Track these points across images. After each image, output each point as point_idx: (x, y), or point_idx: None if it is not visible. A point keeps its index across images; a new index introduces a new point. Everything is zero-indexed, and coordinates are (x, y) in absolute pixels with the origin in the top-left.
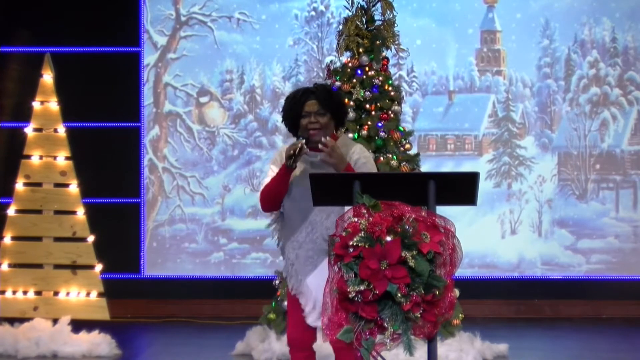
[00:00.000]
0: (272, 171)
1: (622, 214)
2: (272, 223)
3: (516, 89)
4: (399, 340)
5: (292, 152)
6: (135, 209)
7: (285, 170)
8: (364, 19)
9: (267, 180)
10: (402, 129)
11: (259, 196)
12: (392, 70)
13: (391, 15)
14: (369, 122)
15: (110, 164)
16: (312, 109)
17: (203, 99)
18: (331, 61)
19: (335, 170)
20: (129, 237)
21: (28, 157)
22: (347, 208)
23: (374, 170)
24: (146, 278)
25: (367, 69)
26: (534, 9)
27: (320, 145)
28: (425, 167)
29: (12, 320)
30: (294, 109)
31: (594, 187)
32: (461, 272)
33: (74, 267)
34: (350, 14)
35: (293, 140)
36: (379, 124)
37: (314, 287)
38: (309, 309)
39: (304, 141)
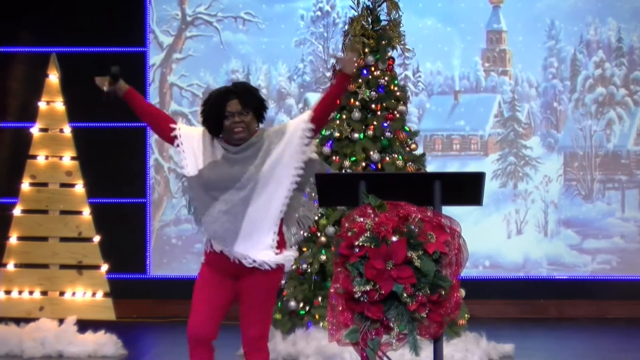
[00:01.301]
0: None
1: (627, 214)
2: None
3: (522, 89)
4: (404, 340)
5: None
6: (141, 209)
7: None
8: (369, 19)
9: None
10: (407, 129)
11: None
12: (397, 70)
13: (397, 15)
14: (375, 122)
15: (116, 164)
16: (235, 109)
17: None
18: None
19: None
20: (135, 237)
21: (34, 157)
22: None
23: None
24: (152, 278)
25: (372, 69)
26: (540, 9)
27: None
28: (431, 167)
29: (17, 320)
30: (216, 110)
31: (600, 187)
32: (467, 272)
33: (79, 267)
34: (356, 14)
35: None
36: (385, 124)
37: (244, 248)
38: (250, 261)
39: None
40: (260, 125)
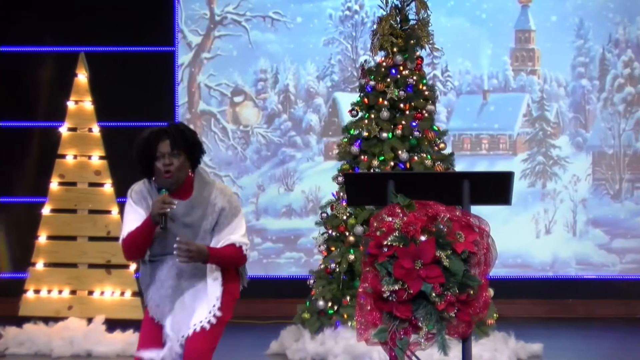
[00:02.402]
0: (133, 214)
1: None
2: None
3: (550, 88)
4: (433, 339)
5: (162, 212)
6: None
7: (152, 224)
8: (398, 19)
9: (130, 225)
10: (436, 129)
11: (122, 243)
12: (426, 69)
13: (425, 15)
14: (403, 122)
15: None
16: (166, 150)
17: (237, 99)
18: (365, 60)
19: (202, 262)
20: None
21: (62, 156)
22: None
23: (242, 226)
24: None
25: (401, 68)
26: (568, 8)
27: (175, 252)
28: (459, 166)
29: (46, 320)
30: (147, 151)
31: (628, 186)
32: (495, 271)
33: (108, 267)
34: (384, 13)
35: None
36: (413, 124)
37: (170, 329)
38: (167, 349)
39: (175, 203)
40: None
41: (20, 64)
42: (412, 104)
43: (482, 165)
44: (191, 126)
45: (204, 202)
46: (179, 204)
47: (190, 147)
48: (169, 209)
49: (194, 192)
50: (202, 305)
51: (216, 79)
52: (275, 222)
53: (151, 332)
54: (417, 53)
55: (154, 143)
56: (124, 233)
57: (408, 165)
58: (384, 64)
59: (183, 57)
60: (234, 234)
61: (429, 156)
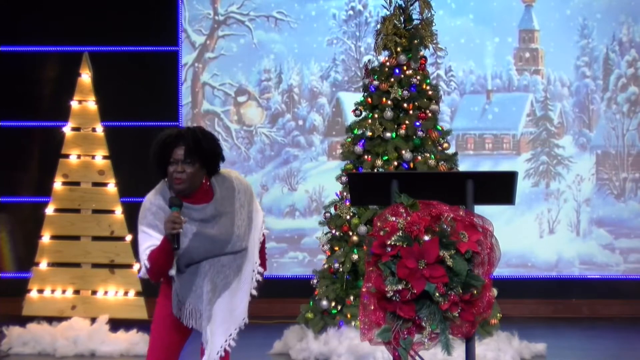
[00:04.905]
0: (148, 235)
1: None
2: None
3: (554, 88)
4: (436, 339)
5: (173, 232)
6: None
7: (166, 242)
8: (401, 18)
9: (147, 244)
10: (440, 128)
11: (147, 268)
12: (430, 69)
13: (429, 14)
14: (407, 121)
15: (149, 163)
16: (179, 157)
17: (241, 98)
18: (369, 60)
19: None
20: None
21: (66, 156)
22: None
23: (260, 210)
24: None
25: (405, 68)
26: (572, 8)
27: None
28: (463, 166)
29: (50, 319)
30: (161, 155)
31: (632, 186)
32: (499, 271)
33: (112, 266)
34: (388, 13)
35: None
36: (417, 123)
37: (211, 333)
38: (206, 357)
39: (185, 220)
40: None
41: (25, 64)
42: (416, 103)
43: (485, 165)
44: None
45: (229, 198)
46: (199, 208)
47: (205, 156)
48: (180, 229)
49: (216, 194)
50: (237, 309)
51: (220, 79)
52: (279, 221)
53: (165, 339)
54: (421, 53)
55: (168, 147)
56: (144, 258)
57: (412, 165)
58: (388, 63)
59: (187, 57)
60: (260, 219)
61: (432, 156)
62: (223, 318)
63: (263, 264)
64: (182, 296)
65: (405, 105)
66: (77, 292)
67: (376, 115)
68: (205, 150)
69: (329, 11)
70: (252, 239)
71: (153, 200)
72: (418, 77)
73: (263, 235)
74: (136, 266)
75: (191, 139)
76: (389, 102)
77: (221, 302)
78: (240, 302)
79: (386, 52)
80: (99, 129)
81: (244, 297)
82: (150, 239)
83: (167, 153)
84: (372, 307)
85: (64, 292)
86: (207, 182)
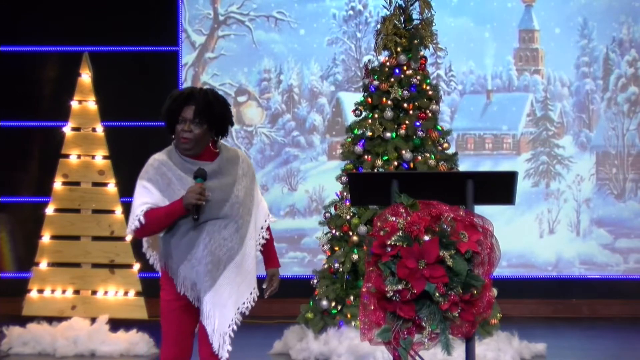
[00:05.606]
0: (147, 190)
1: None
2: (148, 248)
3: (554, 88)
4: (436, 339)
5: (197, 203)
6: None
7: (182, 210)
8: (402, 18)
9: (144, 200)
10: (440, 128)
11: (140, 224)
12: (430, 69)
13: (429, 14)
14: (407, 121)
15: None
16: (188, 117)
17: (241, 98)
18: (369, 60)
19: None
20: None
21: (66, 156)
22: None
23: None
24: None
25: (405, 68)
26: (572, 8)
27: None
28: (463, 166)
29: (50, 319)
30: (172, 112)
31: (632, 186)
32: (499, 271)
33: (112, 266)
34: (388, 13)
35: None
36: (417, 123)
37: (212, 305)
38: (210, 330)
39: (209, 194)
40: (224, 141)
41: (25, 64)
42: (416, 103)
43: (485, 165)
44: None
45: (233, 162)
46: (203, 163)
47: (214, 119)
48: (204, 202)
49: (221, 155)
50: (244, 281)
51: (220, 79)
52: (279, 221)
53: (174, 323)
54: (421, 53)
55: (179, 106)
56: (139, 213)
57: (412, 165)
58: (388, 63)
59: (187, 57)
60: (264, 204)
61: (432, 156)
62: (230, 291)
63: (275, 261)
64: (175, 262)
65: (405, 105)
66: (77, 292)
67: (376, 115)
68: (215, 112)
69: (329, 11)
70: (254, 216)
71: (157, 157)
72: (418, 77)
73: (269, 230)
74: (136, 266)
75: (202, 99)
76: (389, 102)
77: (227, 276)
78: (247, 275)
79: (386, 52)
80: (99, 129)
81: (251, 270)
82: (148, 195)
83: (177, 110)
84: (372, 307)
85: (64, 292)
86: (213, 146)
